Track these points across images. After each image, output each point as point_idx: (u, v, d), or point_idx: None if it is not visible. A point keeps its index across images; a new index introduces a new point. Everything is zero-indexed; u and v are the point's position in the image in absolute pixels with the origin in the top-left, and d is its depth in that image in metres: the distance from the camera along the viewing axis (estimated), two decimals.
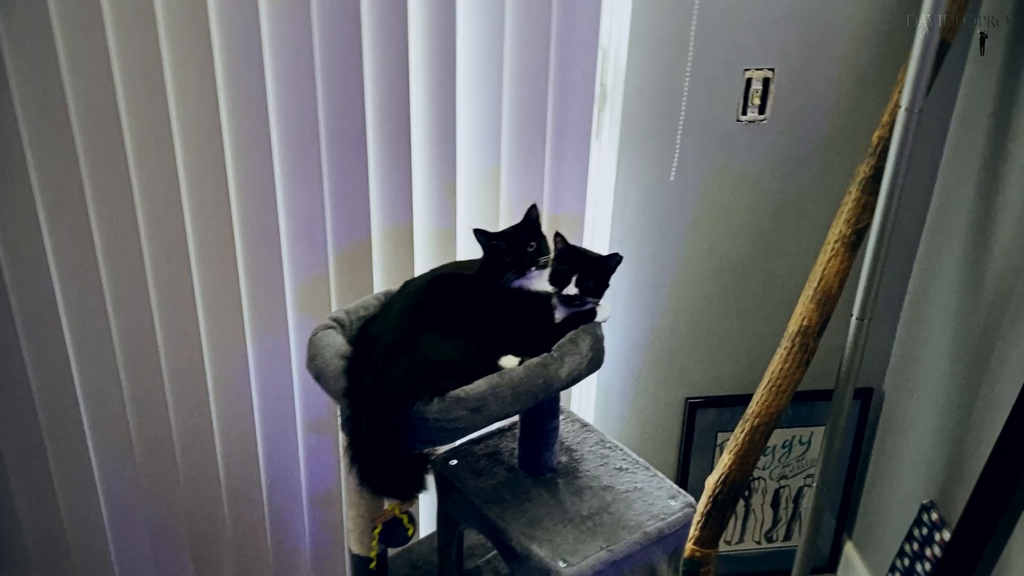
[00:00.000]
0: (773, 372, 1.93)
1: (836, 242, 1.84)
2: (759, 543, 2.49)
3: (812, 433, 2.35)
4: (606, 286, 1.55)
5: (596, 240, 2.01)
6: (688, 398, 2.23)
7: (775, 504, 2.44)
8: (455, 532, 1.68)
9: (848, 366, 1.86)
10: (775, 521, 2.47)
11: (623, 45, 1.81)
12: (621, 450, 1.75)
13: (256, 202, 1.75)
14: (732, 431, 2.24)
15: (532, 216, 1.50)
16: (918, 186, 2.03)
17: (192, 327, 1.84)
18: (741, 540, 2.48)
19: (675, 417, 2.25)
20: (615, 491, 1.62)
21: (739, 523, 2.44)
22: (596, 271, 1.51)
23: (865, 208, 1.79)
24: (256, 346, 1.89)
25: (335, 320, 1.57)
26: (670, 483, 1.66)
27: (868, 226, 1.79)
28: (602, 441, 1.78)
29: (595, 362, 1.54)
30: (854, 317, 1.82)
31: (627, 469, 1.69)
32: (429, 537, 1.89)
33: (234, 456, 2.00)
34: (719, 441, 2.30)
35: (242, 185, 1.74)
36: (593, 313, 1.56)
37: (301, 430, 2.01)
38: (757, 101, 1.88)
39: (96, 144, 1.64)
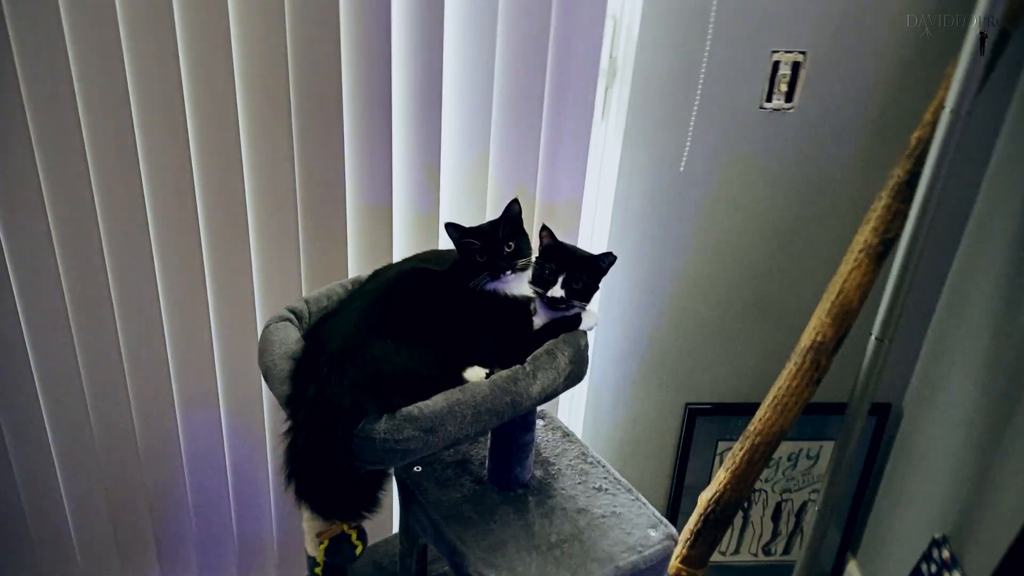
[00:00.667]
0: (780, 388, 1.78)
1: (860, 252, 1.66)
2: (756, 555, 2.37)
3: (821, 447, 2.20)
4: (595, 289, 1.41)
5: (595, 232, 1.86)
6: (688, 404, 2.09)
7: (776, 517, 2.31)
8: (415, 544, 1.57)
9: (863, 389, 1.70)
10: (775, 534, 2.34)
11: (636, 14, 1.64)
12: (603, 467, 1.62)
13: (221, 176, 1.62)
14: (735, 441, 2.11)
15: (512, 212, 1.35)
16: (958, 196, 1.84)
17: (154, 311, 1.73)
18: (737, 551, 2.36)
19: (673, 423, 2.11)
20: (590, 515, 1.50)
21: (736, 533, 2.32)
22: (586, 272, 1.36)
23: (896, 217, 1.61)
24: (221, 329, 1.78)
25: (292, 311, 1.44)
26: (652, 510, 1.53)
27: (897, 237, 1.61)
28: (583, 455, 1.65)
29: (574, 376, 1.41)
30: (873, 336, 1.65)
31: (607, 490, 1.56)
32: (396, 537, 1.79)
33: (198, 447, 1.91)
34: (720, 450, 2.16)
35: (205, 156, 1.60)
36: (578, 320, 1.42)
37: (267, 414, 1.91)
38: (784, 87, 1.69)
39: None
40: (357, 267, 1.75)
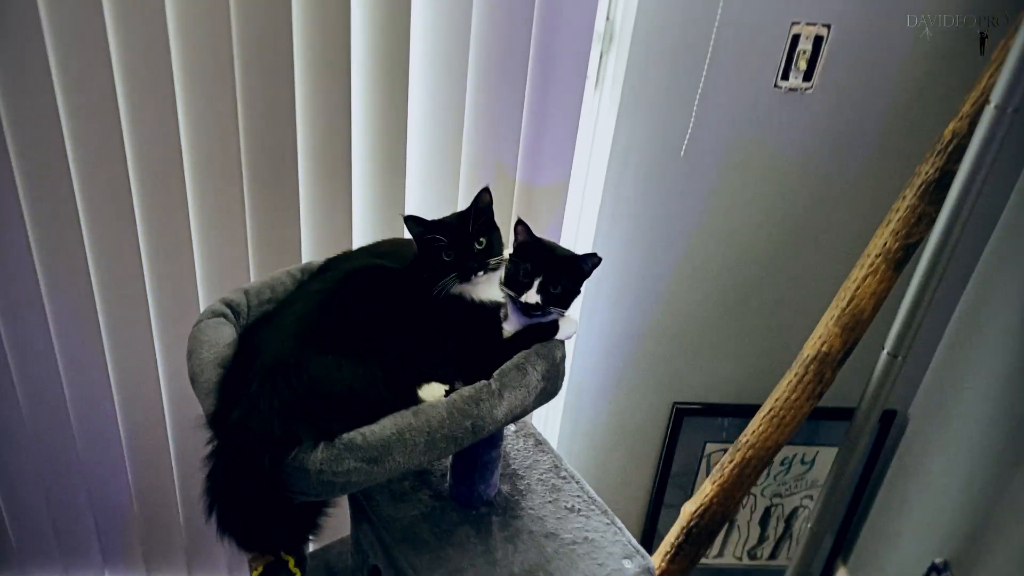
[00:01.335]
0: (777, 400, 1.63)
1: (877, 256, 1.50)
2: (740, 559, 2.26)
3: (817, 453, 2.07)
4: (576, 294, 1.25)
5: (581, 220, 1.69)
6: (676, 403, 1.95)
7: (764, 521, 2.20)
8: (366, 563, 1.44)
9: (870, 406, 1.56)
10: (761, 538, 2.23)
11: None
12: (577, 483, 1.49)
13: (153, 135, 1.43)
14: (724, 443, 1.98)
15: (483, 202, 1.19)
16: (987, 199, 1.67)
17: (84, 287, 1.57)
18: (721, 554, 2.25)
19: (659, 423, 1.98)
20: (559, 540, 1.36)
21: (720, 536, 2.21)
22: (566, 274, 1.21)
23: (921, 219, 1.45)
24: (160, 318, 1.61)
25: (228, 305, 1.28)
26: (628, 536, 1.40)
27: (921, 242, 1.45)
28: (556, 468, 1.51)
29: (547, 394, 1.26)
30: (885, 351, 1.50)
31: (580, 511, 1.43)
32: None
33: (141, 440, 1.76)
34: (707, 452, 2.03)
35: (135, 108, 1.42)
36: (554, 328, 1.27)
37: None
38: (803, 65, 1.51)
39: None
40: (310, 251, 1.57)
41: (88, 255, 1.52)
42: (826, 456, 2.07)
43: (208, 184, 1.49)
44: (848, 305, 1.53)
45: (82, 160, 1.44)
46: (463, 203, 1.55)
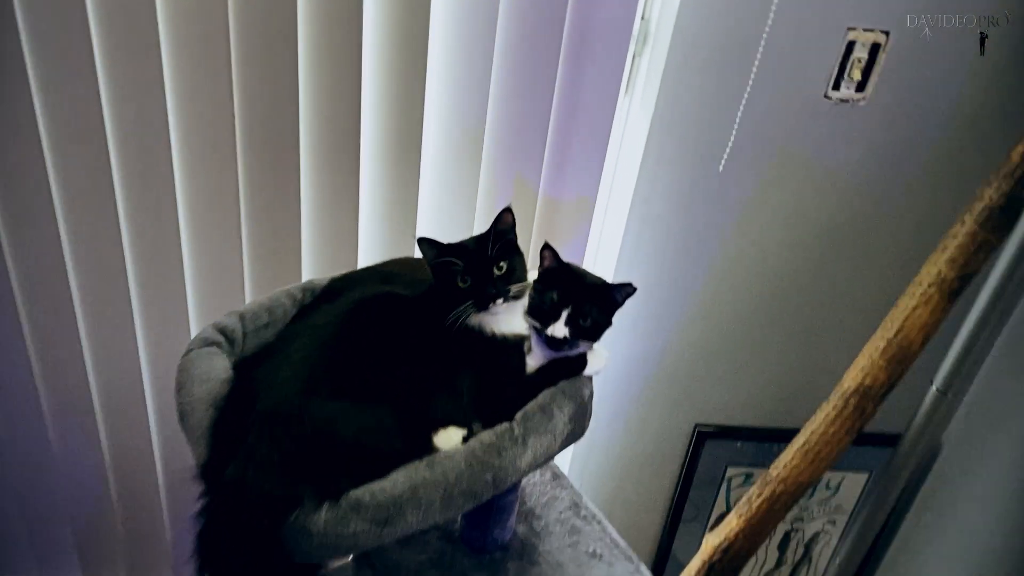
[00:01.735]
0: (813, 433, 1.53)
1: (931, 286, 1.38)
2: None
3: (843, 479, 1.98)
4: (607, 326, 1.14)
5: (604, 235, 1.56)
6: (698, 425, 1.84)
7: (783, 546, 2.11)
8: None
9: (913, 445, 1.45)
10: (779, 562, 2.14)
11: None
12: (599, 524, 1.39)
13: (142, 142, 1.30)
14: (746, 467, 1.88)
15: (505, 224, 1.08)
16: None
17: (65, 302, 1.45)
18: None
19: (679, 444, 1.88)
20: None
21: None
22: (597, 304, 1.12)
23: (981, 248, 1.33)
24: (148, 333, 1.49)
25: (222, 331, 1.17)
26: None
27: (978, 272, 1.33)
28: (576, 505, 1.41)
29: (573, 437, 1.16)
30: (934, 388, 1.39)
31: (602, 556, 1.33)
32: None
33: (125, 455, 1.65)
34: (728, 475, 1.93)
35: (121, 112, 1.29)
36: (582, 362, 1.16)
37: None
38: (857, 75, 1.39)
39: None
40: (312, 268, 1.45)
41: (67, 255, 1.39)
42: (852, 482, 1.98)
43: (200, 187, 1.37)
44: (896, 336, 1.42)
45: (60, 152, 1.31)
46: (480, 218, 1.43)
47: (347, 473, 0.96)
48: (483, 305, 1.06)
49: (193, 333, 1.48)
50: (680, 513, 1.97)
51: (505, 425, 1.07)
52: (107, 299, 1.44)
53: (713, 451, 1.88)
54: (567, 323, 1.10)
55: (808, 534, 2.09)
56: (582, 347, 1.16)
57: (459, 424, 1.07)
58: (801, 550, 2.12)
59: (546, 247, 1.15)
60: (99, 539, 1.78)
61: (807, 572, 2.16)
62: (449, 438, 1.05)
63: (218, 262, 1.40)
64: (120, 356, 1.51)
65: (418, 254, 1.11)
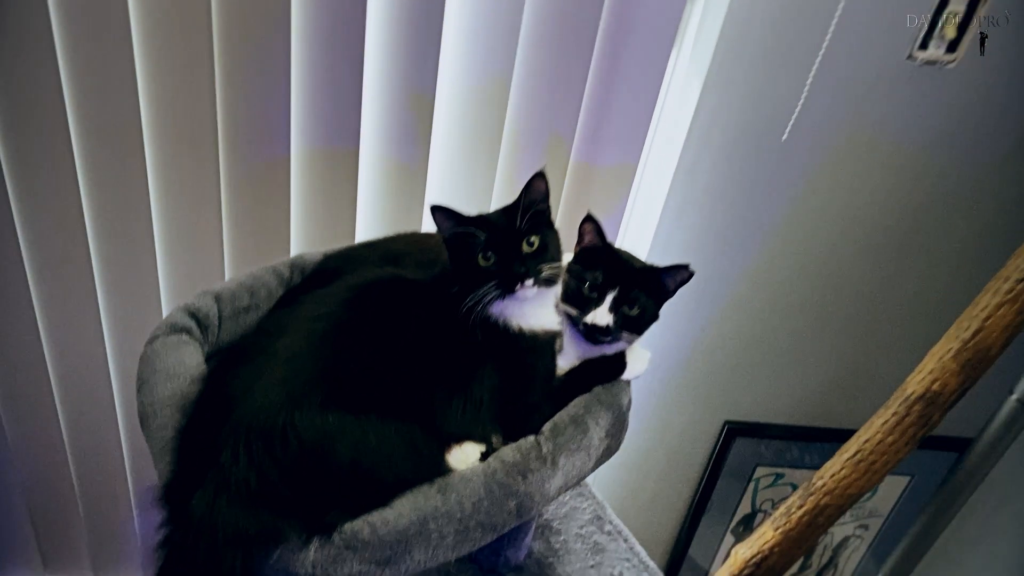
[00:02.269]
0: (868, 442, 1.37)
1: (1019, 282, 1.21)
2: None
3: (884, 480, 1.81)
4: (654, 318, 1.00)
5: (633, 208, 1.36)
6: (728, 422, 1.68)
7: (809, 550, 1.95)
8: None
9: (983, 457, 1.29)
10: (803, 566, 2.00)
11: None
12: (624, 540, 1.23)
13: (102, 90, 1.10)
14: (776, 466, 1.72)
15: (537, 192, 0.90)
16: None
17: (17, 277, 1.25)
18: None
19: (706, 441, 1.73)
20: None
21: None
22: (646, 290, 0.96)
23: None
24: (113, 318, 1.30)
25: (193, 316, 1.00)
26: None
27: None
28: (599, 518, 1.25)
29: (608, 453, 0.99)
30: (1014, 397, 1.24)
31: None
32: None
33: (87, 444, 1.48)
34: (756, 476, 1.77)
35: (77, 48, 1.09)
36: (620, 364, 0.99)
37: None
38: (951, 31, 1.19)
39: None
40: (302, 241, 1.25)
41: (15, 213, 1.19)
42: (891, 486, 1.84)
43: (172, 139, 1.17)
44: (973, 338, 1.26)
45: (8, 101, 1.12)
46: (501, 186, 1.23)
47: (342, 502, 0.80)
48: (509, 287, 0.87)
49: (165, 314, 1.30)
50: (701, 513, 1.83)
51: (531, 440, 0.91)
52: (65, 274, 1.24)
53: (742, 449, 1.73)
54: (612, 309, 0.94)
55: (837, 539, 1.95)
56: (622, 343, 0.99)
57: (476, 439, 0.89)
58: (828, 555, 1.98)
59: (588, 219, 0.98)
60: (61, 534, 1.62)
61: None
62: (465, 456, 0.88)
63: (194, 231, 1.21)
64: (81, 339, 1.32)
65: (428, 228, 0.92)
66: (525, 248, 0.88)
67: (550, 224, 0.93)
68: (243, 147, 1.14)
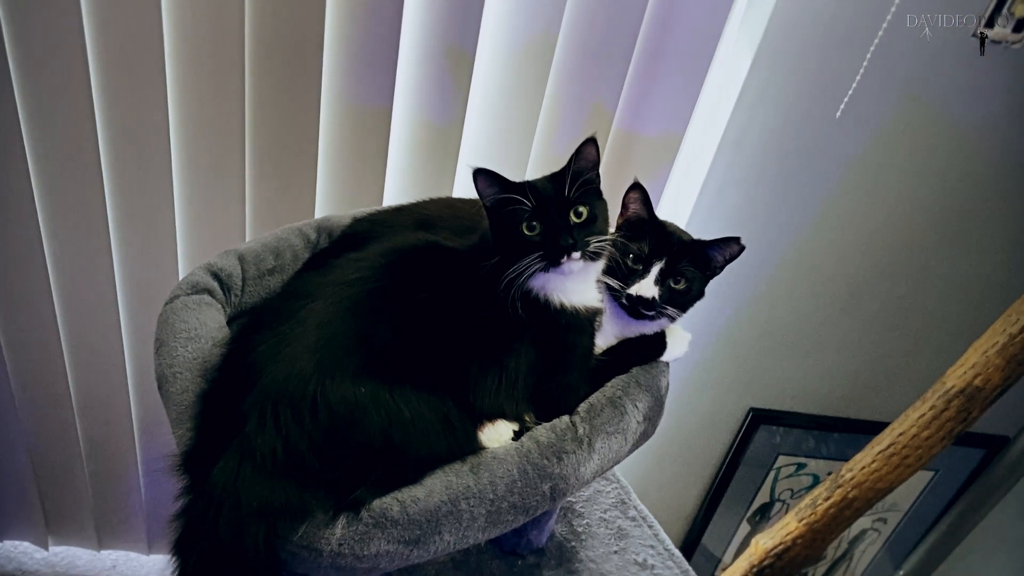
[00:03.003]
0: (902, 435, 1.34)
1: None
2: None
3: None
4: (700, 295, 0.97)
5: (677, 183, 1.32)
6: (753, 408, 1.65)
7: None
8: None
9: (1017, 461, 1.25)
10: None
11: None
12: (649, 527, 1.20)
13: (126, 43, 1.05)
14: (799, 456, 1.69)
15: (587, 159, 0.85)
16: None
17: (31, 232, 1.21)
18: None
19: (729, 427, 1.69)
20: None
21: None
22: (693, 262, 0.93)
23: None
24: (126, 270, 1.26)
25: (215, 276, 0.96)
26: None
27: None
28: (623, 503, 1.22)
29: (644, 438, 0.96)
30: None
31: (653, 567, 1.15)
32: None
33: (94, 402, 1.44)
34: (778, 464, 1.74)
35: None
36: (661, 344, 0.96)
37: None
38: (1020, 11, 1.14)
39: None
40: (328, 203, 1.21)
41: (31, 163, 1.15)
42: (913, 479, 1.78)
43: (197, 92, 1.12)
44: (1021, 332, 1.21)
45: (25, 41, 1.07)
46: (539, 151, 1.18)
47: (371, 477, 0.76)
48: (555, 260, 0.82)
49: (182, 275, 1.26)
50: (719, 499, 1.80)
51: (566, 421, 0.87)
52: (79, 228, 1.20)
53: (765, 437, 1.69)
54: (658, 282, 0.91)
55: (854, 531, 1.92)
56: (663, 321, 0.96)
57: (509, 417, 0.86)
58: (844, 547, 1.96)
59: (635, 187, 0.94)
60: (66, 499, 1.60)
61: (845, 570, 2.00)
62: (498, 434, 0.85)
63: (216, 190, 1.17)
64: (94, 299, 1.29)
65: (460, 193, 0.88)
66: (573, 219, 0.84)
67: (599, 194, 0.88)
68: (270, 100, 1.09)
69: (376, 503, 0.75)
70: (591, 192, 0.86)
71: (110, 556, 1.77)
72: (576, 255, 0.83)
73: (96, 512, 1.64)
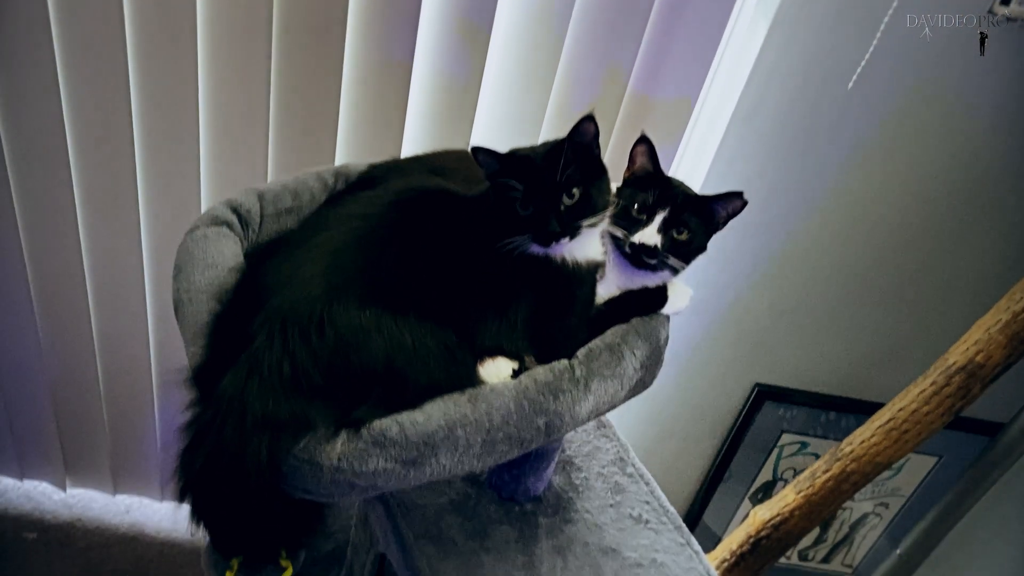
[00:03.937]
0: (902, 411, 1.36)
1: None
2: (789, 558, 2.03)
3: (908, 460, 1.80)
4: (702, 249, 0.99)
5: (688, 149, 1.33)
6: (758, 384, 1.67)
7: (825, 523, 1.95)
8: (368, 554, 1.19)
9: (1015, 441, 1.27)
10: (818, 540, 1.99)
11: None
12: (646, 484, 1.23)
13: None
14: (803, 435, 1.71)
15: (584, 136, 0.86)
16: None
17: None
18: None
19: (733, 402, 1.71)
20: (620, 559, 1.12)
21: None
22: (698, 215, 0.95)
23: None
24: (150, 214, 1.30)
25: (235, 211, 1.00)
26: (706, 564, 1.14)
27: None
28: (622, 460, 1.25)
29: (641, 386, 0.98)
30: None
31: (648, 522, 1.17)
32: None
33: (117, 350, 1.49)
34: (782, 442, 1.76)
35: None
36: (662, 297, 0.98)
37: None
38: None
39: None
40: (348, 151, 1.24)
41: (64, 100, 1.19)
42: (917, 465, 1.81)
43: (224, 36, 1.15)
44: None
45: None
46: (553, 113, 1.21)
47: (373, 398, 0.79)
48: (543, 242, 0.85)
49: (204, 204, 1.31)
50: (721, 476, 1.82)
51: (564, 363, 0.90)
52: (107, 165, 1.25)
53: (770, 414, 1.71)
54: (661, 230, 0.93)
55: (855, 515, 1.93)
56: (666, 273, 0.98)
57: (509, 355, 0.89)
58: (845, 530, 1.97)
59: (642, 140, 0.96)
60: (85, 440, 1.65)
61: (846, 554, 2.01)
62: (497, 370, 0.88)
63: (239, 134, 1.21)
64: (118, 233, 1.33)
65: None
66: (565, 201, 0.86)
67: (598, 171, 0.89)
68: (295, 47, 1.13)
69: (376, 423, 0.79)
70: (588, 169, 0.87)
71: (124, 500, 1.83)
72: (564, 239, 0.85)
73: (113, 457, 1.69)
